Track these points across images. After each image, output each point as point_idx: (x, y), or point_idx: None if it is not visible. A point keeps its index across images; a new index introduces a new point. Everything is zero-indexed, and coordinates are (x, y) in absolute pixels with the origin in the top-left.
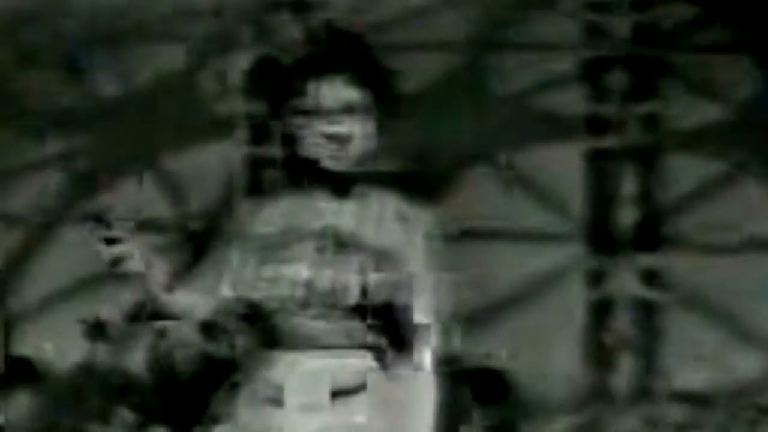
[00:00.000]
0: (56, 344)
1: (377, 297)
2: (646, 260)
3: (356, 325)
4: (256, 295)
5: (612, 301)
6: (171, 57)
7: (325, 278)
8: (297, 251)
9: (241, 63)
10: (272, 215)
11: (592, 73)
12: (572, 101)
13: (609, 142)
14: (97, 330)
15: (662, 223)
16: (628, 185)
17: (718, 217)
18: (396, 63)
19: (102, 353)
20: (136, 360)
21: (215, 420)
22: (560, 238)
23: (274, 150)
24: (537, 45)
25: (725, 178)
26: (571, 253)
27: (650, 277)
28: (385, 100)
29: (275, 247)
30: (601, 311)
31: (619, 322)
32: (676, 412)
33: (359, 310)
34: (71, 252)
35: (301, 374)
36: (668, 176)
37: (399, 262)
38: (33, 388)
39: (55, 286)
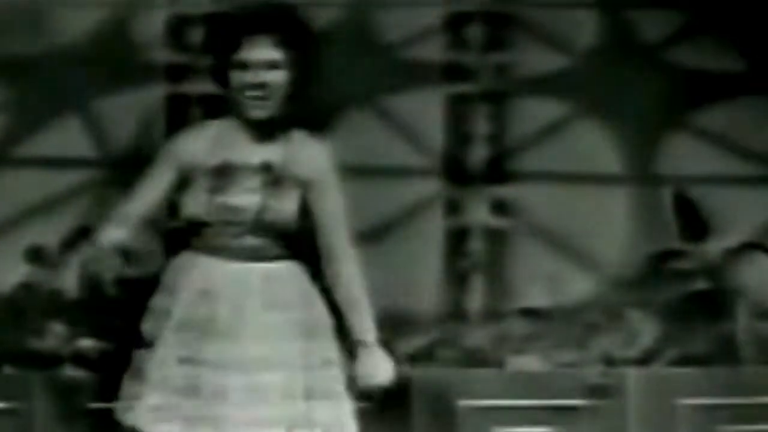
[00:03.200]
0: None
1: (304, 221)
2: (496, 192)
3: (283, 242)
4: (208, 218)
5: (467, 229)
6: (96, 15)
7: (271, 208)
8: (246, 184)
9: (159, 18)
10: (206, 145)
11: (453, 26)
12: (435, 51)
13: (466, 87)
14: (34, 255)
15: (511, 159)
16: (482, 126)
17: (560, 154)
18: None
19: (39, 275)
20: (69, 281)
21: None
22: (422, 173)
23: (193, 89)
24: (406, 1)
25: (568, 119)
26: (431, 186)
27: (499, 208)
28: (304, 60)
29: (223, 179)
30: (457, 238)
31: (472, 248)
32: (520, 327)
33: (288, 231)
34: (9, 189)
35: (237, 275)
36: (517, 118)
37: (320, 190)
38: None
39: None
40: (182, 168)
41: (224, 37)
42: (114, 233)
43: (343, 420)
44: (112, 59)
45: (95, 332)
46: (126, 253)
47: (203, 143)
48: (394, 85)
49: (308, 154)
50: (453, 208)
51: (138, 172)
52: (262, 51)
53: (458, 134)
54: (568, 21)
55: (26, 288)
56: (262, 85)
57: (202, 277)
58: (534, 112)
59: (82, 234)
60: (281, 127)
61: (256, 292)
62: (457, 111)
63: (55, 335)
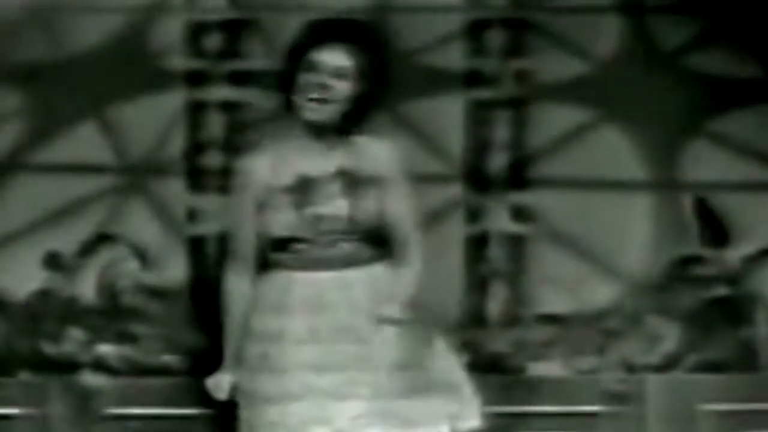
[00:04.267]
0: (16, 275)
1: (386, 221)
2: (517, 198)
3: (374, 244)
4: (302, 233)
5: (487, 235)
6: (115, 21)
7: (358, 209)
8: (328, 192)
9: (177, 25)
10: (271, 165)
11: (473, 33)
12: (455, 57)
13: (486, 93)
14: (52, 261)
15: (531, 165)
16: (502, 132)
17: (579, 160)
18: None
19: (56, 281)
20: (87, 287)
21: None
22: (442, 179)
23: (211, 95)
24: (426, 8)
25: (588, 126)
26: (451, 192)
27: (520, 214)
28: (373, 75)
29: (305, 192)
30: (477, 244)
31: (493, 254)
32: (540, 333)
33: (377, 230)
34: (28, 196)
35: (342, 283)
36: (537, 124)
37: (387, 188)
38: None
39: (14, 226)
40: (256, 191)
41: (298, 43)
42: (241, 281)
43: (465, 402)
44: (130, 65)
45: (113, 338)
46: (144, 258)
47: (267, 163)
48: (414, 91)
49: (375, 153)
50: (473, 214)
51: (156, 178)
52: (334, 56)
53: (478, 140)
54: (588, 27)
55: (44, 294)
56: (325, 87)
57: (310, 291)
58: (554, 118)
59: (100, 241)
60: (341, 133)
61: (363, 296)
62: (478, 117)
63: (72, 341)
